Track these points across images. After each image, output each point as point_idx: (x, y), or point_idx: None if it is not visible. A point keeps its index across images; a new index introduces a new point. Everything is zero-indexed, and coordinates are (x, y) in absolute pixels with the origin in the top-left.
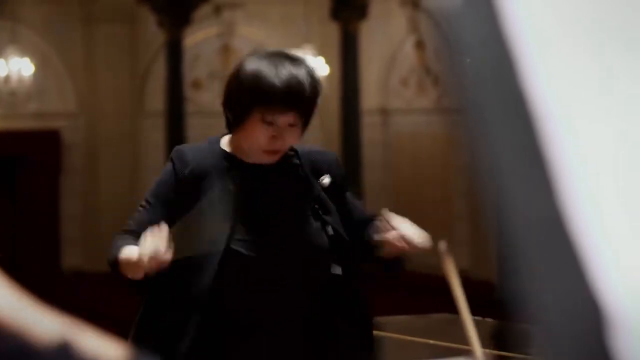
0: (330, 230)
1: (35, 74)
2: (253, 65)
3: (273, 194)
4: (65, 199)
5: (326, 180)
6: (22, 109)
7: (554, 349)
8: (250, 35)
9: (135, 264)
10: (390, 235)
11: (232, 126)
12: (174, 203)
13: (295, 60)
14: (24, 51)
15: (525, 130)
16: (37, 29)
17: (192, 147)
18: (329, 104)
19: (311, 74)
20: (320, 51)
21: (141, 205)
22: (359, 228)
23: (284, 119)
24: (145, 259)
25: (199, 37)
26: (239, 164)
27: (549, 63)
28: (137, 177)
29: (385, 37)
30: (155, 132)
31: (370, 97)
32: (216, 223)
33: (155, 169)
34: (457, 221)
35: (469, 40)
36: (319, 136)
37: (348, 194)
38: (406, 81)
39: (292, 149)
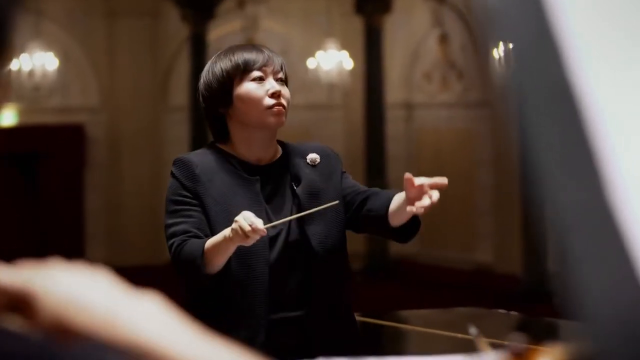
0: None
1: (58, 69)
2: (215, 58)
3: (274, 186)
4: (88, 193)
5: (313, 156)
6: (45, 104)
7: (602, 340)
8: (274, 29)
9: (244, 234)
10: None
11: (222, 124)
12: (200, 201)
13: None
14: (48, 46)
15: (572, 123)
16: (61, 23)
17: (191, 153)
18: (352, 99)
19: None
20: (344, 45)
21: (173, 212)
22: (364, 202)
23: (269, 68)
24: (261, 227)
25: (223, 32)
26: (240, 162)
27: (596, 57)
28: (160, 171)
29: (409, 31)
30: (178, 127)
31: (393, 92)
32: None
33: None
34: (481, 215)
35: (517, 35)
36: (342, 130)
37: (345, 178)
38: (430, 75)
39: (283, 149)
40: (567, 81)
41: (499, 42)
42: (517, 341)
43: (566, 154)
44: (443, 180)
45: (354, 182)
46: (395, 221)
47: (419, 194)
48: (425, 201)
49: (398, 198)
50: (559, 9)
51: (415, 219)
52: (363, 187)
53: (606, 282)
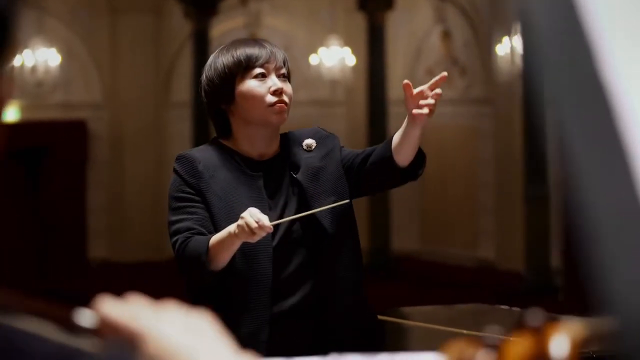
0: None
1: (61, 65)
2: (218, 53)
3: (276, 181)
4: (91, 189)
5: (309, 141)
6: (48, 100)
7: (630, 336)
8: (277, 26)
9: (250, 230)
10: (414, 98)
11: (225, 120)
12: (202, 198)
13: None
14: (51, 42)
15: (602, 119)
16: (64, 20)
17: (193, 149)
18: (355, 95)
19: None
20: (347, 42)
21: (176, 209)
22: (366, 159)
23: (271, 64)
24: (268, 223)
25: (226, 28)
26: (243, 158)
27: (626, 52)
28: (163, 168)
29: (412, 28)
30: (181, 123)
31: (396, 88)
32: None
33: None
34: (483, 212)
35: (547, 29)
36: (345, 126)
37: (344, 152)
38: (432, 72)
39: (281, 141)
40: (598, 79)
41: (529, 38)
42: (535, 317)
43: (597, 152)
44: (442, 75)
45: (352, 150)
46: (402, 157)
47: (421, 100)
48: (430, 100)
49: (398, 133)
50: (589, 3)
51: (420, 155)
52: (360, 150)
53: (635, 279)
